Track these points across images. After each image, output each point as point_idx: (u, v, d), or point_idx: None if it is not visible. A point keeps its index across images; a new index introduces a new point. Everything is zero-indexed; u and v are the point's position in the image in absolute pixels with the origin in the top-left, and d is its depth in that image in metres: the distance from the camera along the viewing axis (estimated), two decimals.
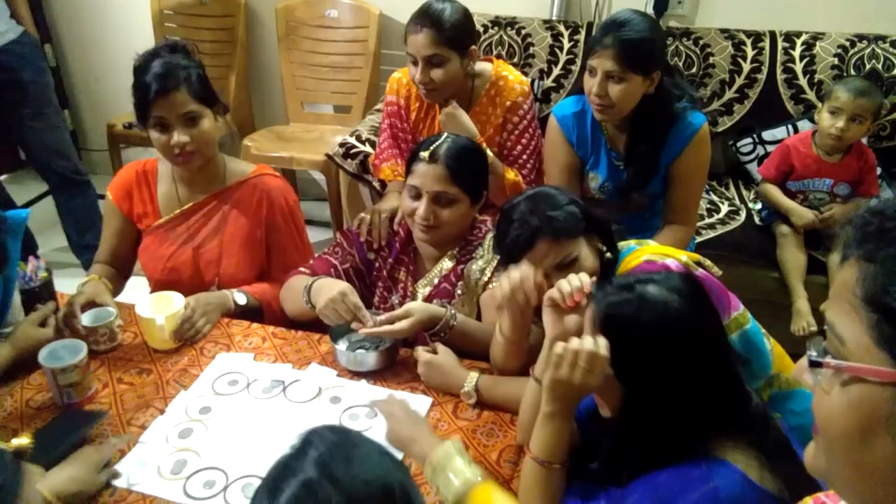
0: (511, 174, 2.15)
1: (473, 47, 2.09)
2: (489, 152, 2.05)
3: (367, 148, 2.56)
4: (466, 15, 2.08)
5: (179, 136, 1.66)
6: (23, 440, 1.27)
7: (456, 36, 2.02)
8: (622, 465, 1.02)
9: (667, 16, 2.92)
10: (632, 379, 1.00)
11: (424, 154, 1.60)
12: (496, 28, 2.93)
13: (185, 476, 1.27)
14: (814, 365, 0.53)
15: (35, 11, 3.49)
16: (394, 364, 1.57)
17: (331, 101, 3.37)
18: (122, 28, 3.62)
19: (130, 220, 1.86)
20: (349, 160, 2.54)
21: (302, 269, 1.72)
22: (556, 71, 2.88)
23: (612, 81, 1.85)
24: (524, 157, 2.17)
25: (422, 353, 1.50)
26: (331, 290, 1.50)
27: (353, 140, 2.60)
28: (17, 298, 1.64)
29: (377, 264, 1.79)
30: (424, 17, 2.01)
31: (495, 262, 1.65)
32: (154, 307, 1.62)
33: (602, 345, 1.00)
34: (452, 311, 1.56)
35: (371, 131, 2.65)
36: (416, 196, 1.62)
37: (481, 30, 2.94)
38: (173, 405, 1.45)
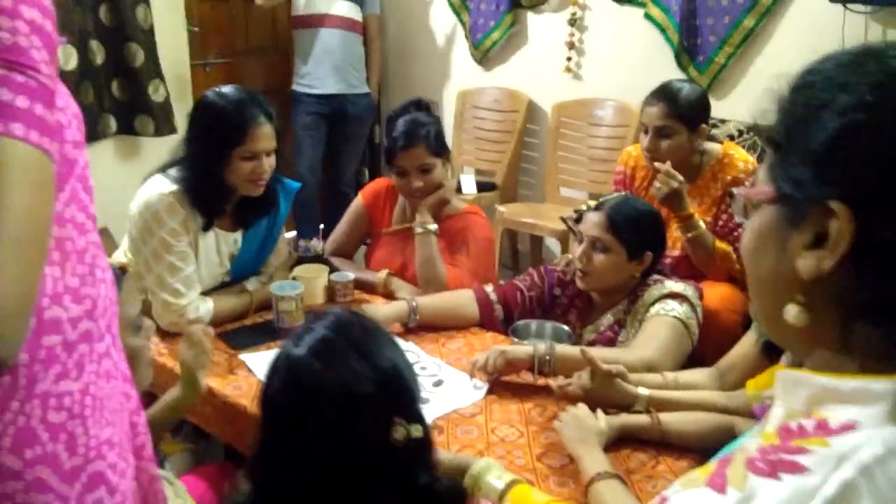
0: (722, 245, 2.22)
1: (704, 126, 2.24)
2: (701, 224, 2.15)
3: None
4: (702, 97, 2.25)
5: (416, 183, 2.06)
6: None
7: (687, 112, 2.18)
8: None
9: None
10: None
11: (593, 203, 1.80)
12: (750, 133, 3.03)
13: None
14: (731, 196, 0.65)
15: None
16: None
17: (585, 189, 3.70)
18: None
19: (367, 219, 2.30)
20: (579, 224, 2.80)
21: (492, 285, 1.97)
22: None
23: None
24: (738, 231, 2.22)
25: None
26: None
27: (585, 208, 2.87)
28: (283, 247, 2.15)
29: (557, 300, 1.98)
30: (662, 91, 2.23)
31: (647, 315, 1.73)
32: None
33: None
34: (546, 345, 1.58)
35: None
36: (581, 240, 1.81)
37: (735, 133, 3.06)
38: None
